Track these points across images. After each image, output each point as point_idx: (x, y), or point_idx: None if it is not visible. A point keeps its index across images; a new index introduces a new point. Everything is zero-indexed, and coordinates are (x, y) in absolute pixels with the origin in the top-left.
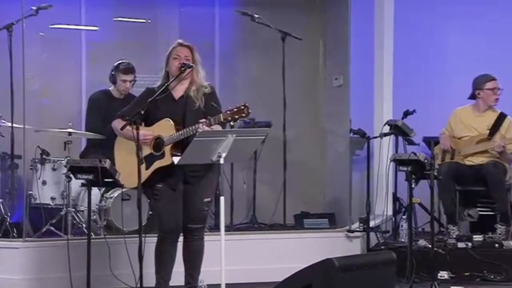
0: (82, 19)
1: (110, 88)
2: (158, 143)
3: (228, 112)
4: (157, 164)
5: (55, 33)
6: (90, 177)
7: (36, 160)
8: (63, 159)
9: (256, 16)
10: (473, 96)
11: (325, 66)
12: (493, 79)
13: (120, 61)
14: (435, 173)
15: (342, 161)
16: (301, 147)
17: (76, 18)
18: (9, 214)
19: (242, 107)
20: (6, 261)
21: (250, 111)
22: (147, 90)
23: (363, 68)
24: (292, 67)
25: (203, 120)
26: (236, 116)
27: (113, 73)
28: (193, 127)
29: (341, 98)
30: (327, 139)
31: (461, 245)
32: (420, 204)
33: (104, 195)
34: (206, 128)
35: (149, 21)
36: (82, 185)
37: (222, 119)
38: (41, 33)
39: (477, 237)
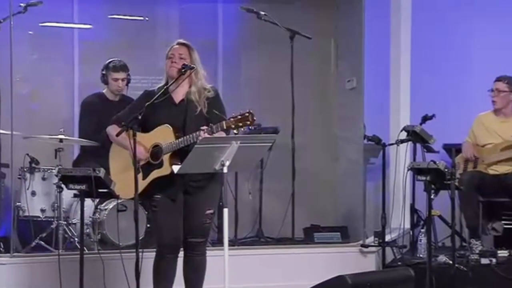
0: (74, 17)
1: (103, 91)
2: (156, 151)
3: (232, 119)
4: (155, 174)
5: (45, 32)
6: (83, 187)
7: (25, 169)
8: (54, 168)
9: (262, 13)
10: None
11: (337, 67)
12: None
13: (110, 60)
14: (456, 183)
15: (355, 170)
16: (311, 155)
17: (68, 16)
18: None
19: (247, 115)
20: None
21: (255, 118)
22: (145, 93)
23: (378, 69)
24: (301, 68)
25: (205, 127)
26: (240, 124)
27: (103, 72)
28: (194, 135)
29: (354, 102)
30: (339, 146)
31: (484, 261)
32: (440, 216)
33: (98, 207)
34: (208, 136)
35: (146, 18)
36: (75, 196)
37: (225, 127)
38: (30, 32)
39: (502, 253)
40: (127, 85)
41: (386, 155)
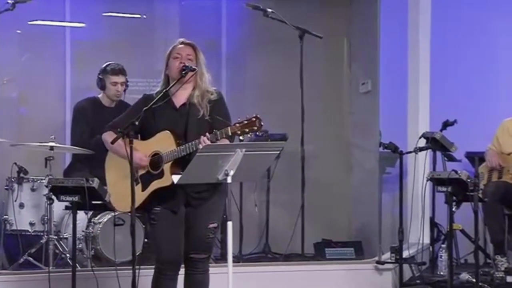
0: (66, 14)
1: (98, 96)
2: (156, 160)
3: (237, 124)
4: (154, 185)
5: (34, 31)
6: (76, 198)
7: (13, 179)
8: (43, 178)
9: (270, 10)
10: None
11: (350, 69)
12: None
13: (108, 63)
14: (480, 195)
15: (371, 180)
16: (322, 164)
17: (59, 13)
18: None
19: (253, 119)
20: None
21: (262, 124)
22: (143, 97)
23: (395, 71)
24: (312, 70)
25: (207, 134)
26: (246, 130)
27: (100, 76)
28: (196, 142)
29: (369, 106)
30: (352, 155)
31: (510, 279)
32: (462, 231)
33: (92, 220)
34: (209, 143)
35: (144, 16)
36: (66, 208)
37: (230, 133)
38: (19, 31)
39: None
40: (125, 90)
41: (403, 164)
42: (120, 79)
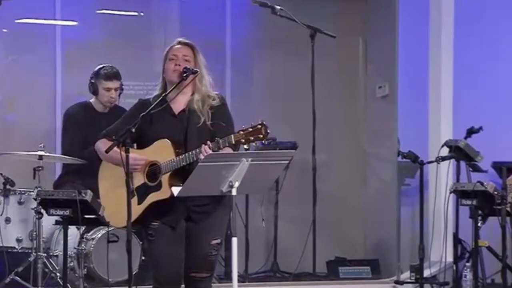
0: (56, 12)
1: (91, 100)
2: (153, 170)
3: (241, 132)
4: (152, 197)
5: (22, 30)
6: (67, 212)
7: None
8: (32, 190)
9: (278, 7)
10: None
11: (366, 71)
12: None
13: (101, 66)
14: (508, 208)
15: (388, 192)
16: (336, 175)
17: (49, 11)
18: None
19: (259, 127)
20: None
21: (269, 131)
22: (139, 102)
23: (415, 73)
24: (324, 73)
25: (208, 143)
26: (251, 138)
27: (93, 81)
28: (197, 151)
29: (386, 112)
30: (368, 165)
31: None
32: (488, 248)
33: (85, 236)
34: (211, 152)
35: (141, 14)
36: (57, 223)
37: (233, 141)
38: (5, 30)
39: None
40: (119, 95)
41: (424, 175)
42: (114, 84)
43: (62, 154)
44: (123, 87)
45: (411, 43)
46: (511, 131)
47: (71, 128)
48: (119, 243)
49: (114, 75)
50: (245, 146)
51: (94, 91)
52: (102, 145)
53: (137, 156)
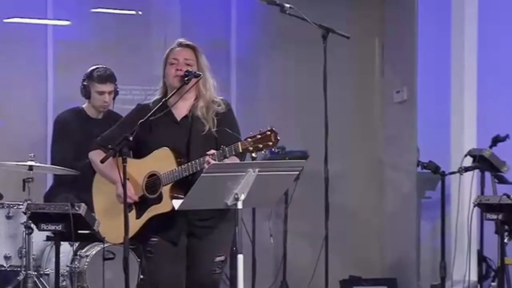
0: (48, 11)
1: (83, 106)
2: (153, 181)
3: (249, 139)
4: (152, 211)
5: (11, 30)
6: (59, 227)
7: None
8: (21, 203)
9: (287, 5)
10: None
11: (383, 74)
12: None
13: (94, 67)
14: None
15: (407, 206)
16: (350, 186)
17: (40, 9)
18: None
19: (268, 133)
20: None
21: (278, 138)
22: (137, 107)
23: (435, 77)
24: (337, 76)
25: (212, 151)
26: (260, 145)
27: (85, 83)
28: (201, 160)
29: (404, 119)
30: (385, 176)
31: None
32: None
33: (78, 253)
34: (215, 161)
35: (139, 12)
36: (48, 239)
37: (240, 149)
38: None
39: None
40: (114, 98)
41: (446, 187)
42: (107, 87)
43: (53, 164)
44: (118, 91)
45: (432, 43)
46: None
47: (61, 137)
48: (115, 260)
49: (108, 78)
50: (253, 155)
51: (87, 95)
52: (96, 155)
53: (131, 188)
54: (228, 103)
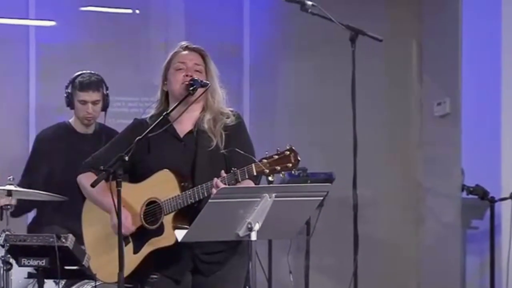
0: (30, 10)
1: (70, 120)
2: (152, 210)
3: (265, 160)
4: (152, 245)
5: None
6: (43, 263)
7: None
8: None
9: (310, 3)
10: None
11: (422, 83)
12: None
13: (79, 73)
14: None
15: (450, 237)
16: (383, 214)
17: (21, 8)
18: None
19: (287, 153)
20: None
21: (299, 158)
22: (134, 123)
23: (483, 87)
24: (368, 85)
25: (223, 175)
26: (278, 168)
27: (68, 91)
28: (208, 185)
29: (447, 136)
30: (424, 202)
31: None
32: None
33: None
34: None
35: (137, 11)
36: (30, 276)
37: (254, 172)
38: None
39: None
40: (104, 110)
41: (495, 216)
42: (90, 96)
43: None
44: (108, 101)
45: (478, 48)
46: None
47: (35, 161)
48: None
49: (91, 84)
50: (270, 178)
51: (71, 105)
52: (85, 179)
53: (129, 219)
54: (239, 115)
